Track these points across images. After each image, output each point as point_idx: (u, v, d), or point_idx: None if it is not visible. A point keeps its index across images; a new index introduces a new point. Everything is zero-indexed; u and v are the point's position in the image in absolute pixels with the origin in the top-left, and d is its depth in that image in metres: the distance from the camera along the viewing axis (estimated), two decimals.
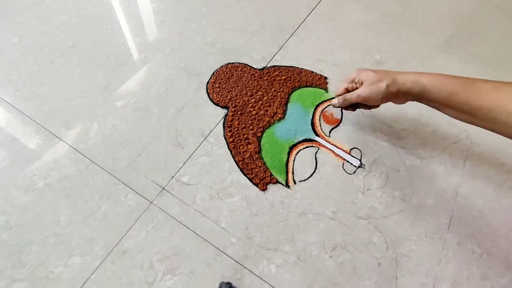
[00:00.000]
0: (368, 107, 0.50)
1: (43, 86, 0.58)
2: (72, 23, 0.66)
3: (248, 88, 0.59)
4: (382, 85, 0.43)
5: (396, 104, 0.46)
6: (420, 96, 0.42)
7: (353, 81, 0.48)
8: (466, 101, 0.38)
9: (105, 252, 0.45)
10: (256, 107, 0.57)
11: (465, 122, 0.40)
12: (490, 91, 0.37)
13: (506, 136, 0.36)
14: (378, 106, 0.49)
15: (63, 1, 0.69)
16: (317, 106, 0.58)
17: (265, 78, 0.61)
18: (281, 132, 0.55)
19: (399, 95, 0.44)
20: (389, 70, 0.46)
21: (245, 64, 0.62)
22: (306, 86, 0.60)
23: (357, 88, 0.47)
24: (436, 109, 0.43)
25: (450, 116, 0.42)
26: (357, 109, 0.52)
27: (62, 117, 0.55)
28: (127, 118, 0.55)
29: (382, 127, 0.57)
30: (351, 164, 0.53)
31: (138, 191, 0.49)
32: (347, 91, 0.49)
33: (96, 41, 0.64)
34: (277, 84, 0.60)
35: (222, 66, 0.62)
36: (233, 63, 0.63)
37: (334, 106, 0.51)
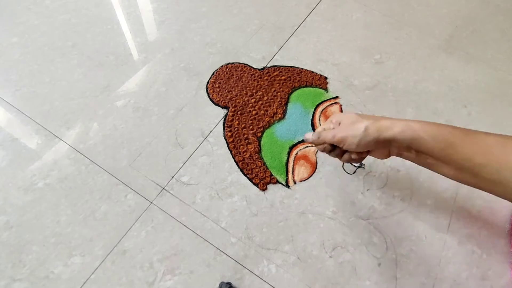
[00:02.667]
0: (349, 156, 0.40)
1: (43, 86, 0.58)
2: (72, 23, 0.66)
3: (248, 88, 0.59)
4: (360, 127, 0.36)
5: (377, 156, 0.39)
6: (409, 146, 0.35)
7: (331, 121, 0.41)
8: (468, 156, 0.31)
9: (105, 252, 0.45)
10: (256, 107, 0.57)
11: (463, 182, 0.34)
12: (496, 146, 0.30)
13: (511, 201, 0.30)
14: (361, 157, 0.39)
15: (63, 1, 0.69)
16: (317, 106, 0.58)
17: (265, 78, 0.61)
18: (281, 132, 0.55)
19: (380, 142, 0.36)
20: (377, 115, 0.38)
21: (245, 64, 0.62)
22: (306, 86, 0.60)
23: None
24: (426, 166, 0.36)
25: (444, 175, 0.35)
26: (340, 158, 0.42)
27: (62, 117, 0.55)
28: (127, 118, 0.55)
29: None
30: (351, 164, 0.53)
31: (138, 191, 0.49)
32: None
33: (96, 41, 0.64)
34: (277, 84, 0.60)
35: (222, 66, 0.62)
36: (233, 63, 0.63)
37: (306, 140, 0.43)
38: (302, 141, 0.54)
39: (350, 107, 0.58)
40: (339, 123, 0.39)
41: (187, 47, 0.64)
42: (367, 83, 0.61)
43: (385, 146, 0.37)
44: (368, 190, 0.51)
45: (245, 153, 0.53)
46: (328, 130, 0.40)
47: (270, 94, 0.59)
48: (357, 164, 0.53)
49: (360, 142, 0.36)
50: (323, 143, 0.40)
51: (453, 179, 0.34)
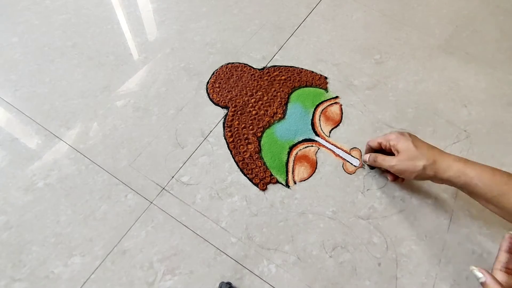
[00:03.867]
0: (396, 176, 0.47)
1: (43, 86, 0.58)
2: (72, 23, 0.66)
3: (248, 88, 0.59)
4: (419, 165, 0.40)
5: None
6: (462, 188, 0.39)
7: (388, 142, 0.45)
8: None
9: (105, 252, 0.45)
10: (256, 107, 0.57)
11: (508, 220, 0.37)
12: None
13: None
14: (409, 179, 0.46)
15: (63, 1, 0.69)
16: (317, 106, 0.58)
17: (265, 78, 0.61)
18: (281, 132, 0.55)
19: (436, 179, 0.40)
20: (433, 146, 0.42)
21: (245, 64, 0.62)
22: (306, 86, 0.60)
23: (390, 149, 0.45)
24: (477, 200, 0.40)
25: (491, 211, 0.39)
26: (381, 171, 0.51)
27: (62, 117, 0.55)
28: (127, 118, 0.55)
29: (382, 127, 0.57)
30: (351, 164, 0.53)
31: (138, 191, 0.49)
32: (380, 146, 0.47)
33: (96, 41, 0.64)
34: (277, 84, 0.60)
35: (222, 66, 0.62)
36: (233, 63, 0.63)
37: (364, 162, 0.51)
38: (302, 141, 0.54)
39: (350, 107, 0.58)
40: (397, 151, 0.43)
41: (187, 47, 0.64)
42: (367, 83, 0.61)
43: (441, 182, 0.41)
44: (368, 190, 0.51)
45: (245, 153, 0.53)
46: (386, 158, 0.45)
47: (270, 94, 0.59)
48: (358, 164, 0.53)
49: (417, 177, 0.41)
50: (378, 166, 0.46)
51: (499, 216, 0.38)
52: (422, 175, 0.40)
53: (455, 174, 0.38)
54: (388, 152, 0.46)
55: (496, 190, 0.35)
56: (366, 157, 0.49)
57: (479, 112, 0.58)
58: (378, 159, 0.46)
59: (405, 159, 0.41)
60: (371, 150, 0.50)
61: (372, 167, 0.52)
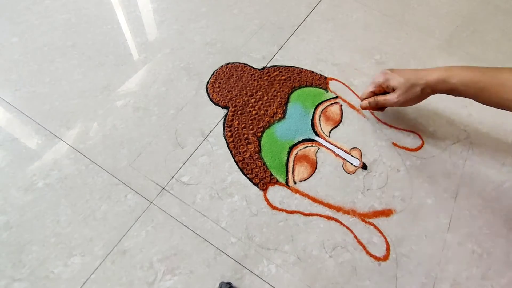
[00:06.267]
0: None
1: (43, 86, 0.58)
2: (72, 23, 0.66)
3: (248, 88, 0.59)
4: (417, 90, 0.46)
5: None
6: (449, 93, 0.45)
7: (381, 85, 0.50)
8: (494, 97, 0.41)
9: (105, 252, 0.45)
10: (256, 107, 0.57)
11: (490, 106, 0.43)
12: None
13: None
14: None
15: (63, 1, 0.69)
16: (317, 106, 0.58)
17: (265, 78, 0.61)
18: (281, 132, 0.55)
19: (433, 94, 0.46)
20: (413, 69, 0.48)
21: (245, 64, 0.62)
22: (306, 86, 0.60)
23: (385, 91, 0.50)
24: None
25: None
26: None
27: (62, 117, 0.55)
28: (127, 118, 0.55)
29: (382, 127, 0.57)
30: (351, 164, 0.53)
31: (138, 191, 0.49)
32: (374, 94, 0.52)
33: (96, 41, 0.64)
34: (277, 84, 0.60)
35: (222, 66, 0.62)
36: (233, 63, 0.63)
37: (363, 108, 0.54)
38: (302, 141, 0.54)
39: (350, 107, 0.58)
40: (393, 88, 0.48)
41: (187, 47, 0.64)
42: (367, 83, 0.61)
43: (432, 94, 0.47)
44: (368, 190, 0.51)
45: (245, 153, 0.53)
46: (386, 97, 0.49)
47: (270, 94, 0.59)
48: (358, 164, 0.53)
49: (420, 100, 0.47)
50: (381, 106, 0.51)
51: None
52: (423, 96, 0.46)
53: (442, 85, 0.44)
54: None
55: (475, 88, 0.42)
56: (365, 103, 0.53)
57: (479, 112, 0.58)
58: (379, 100, 0.50)
59: (404, 91, 0.47)
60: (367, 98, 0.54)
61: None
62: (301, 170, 0.52)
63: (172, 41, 0.65)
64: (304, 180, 0.51)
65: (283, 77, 0.61)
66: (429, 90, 0.45)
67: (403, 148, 0.54)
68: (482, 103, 0.44)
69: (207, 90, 0.59)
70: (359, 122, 0.57)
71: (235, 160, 0.52)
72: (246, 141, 0.54)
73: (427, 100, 0.60)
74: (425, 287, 0.44)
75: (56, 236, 0.45)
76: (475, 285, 0.45)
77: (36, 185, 0.49)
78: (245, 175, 0.51)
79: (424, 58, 0.65)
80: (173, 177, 0.50)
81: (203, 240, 0.46)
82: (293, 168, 0.52)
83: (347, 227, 0.48)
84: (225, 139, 0.54)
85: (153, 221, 0.47)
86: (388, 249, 0.46)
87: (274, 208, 0.49)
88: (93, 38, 0.64)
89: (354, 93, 0.60)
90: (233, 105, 0.57)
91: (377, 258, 0.46)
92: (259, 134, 0.54)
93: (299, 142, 0.54)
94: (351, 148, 0.54)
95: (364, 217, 0.49)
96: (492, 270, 0.45)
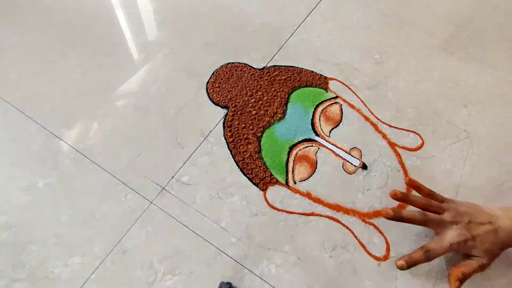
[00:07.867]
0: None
1: (43, 86, 0.58)
2: (72, 23, 0.66)
3: (248, 88, 0.59)
4: (499, 253, 0.42)
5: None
6: None
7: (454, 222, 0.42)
8: None
9: (105, 252, 0.45)
10: (256, 107, 0.57)
11: None
12: None
13: None
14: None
15: (63, 1, 0.69)
16: (317, 106, 0.58)
17: (265, 78, 0.61)
18: (281, 132, 0.55)
19: None
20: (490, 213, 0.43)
21: (245, 64, 0.62)
22: (306, 86, 0.60)
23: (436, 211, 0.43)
24: None
25: None
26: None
27: (62, 117, 0.55)
28: (127, 118, 0.55)
29: (382, 127, 0.57)
30: (351, 164, 0.53)
31: (138, 191, 0.49)
32: (425, 218, 0.43)
33: (96, 41, 0.64)
34: (277, 84, 0.60)
35: (222, 66, 0.62)
36: (233, 63, 0.63)
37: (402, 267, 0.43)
38: (302, 141, 0.54)
39: (350, 107, 0.58)
40: (473, 238, 0.41)
41: (187, 47, 0.64)
42: (367, 83, 0.61)
43: None
44: (368, 190, 0.51)
45: (245, 153, 0.53)
46: (468, 263, 0.42)
47: (270, 94, 0.59)
48: (358, 164, 0.53)
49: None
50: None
51: None
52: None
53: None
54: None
55: None
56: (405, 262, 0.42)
57: (479, 112, 0.58)
58: (464, 270, 0.41)
59: (491, 257, 0.41)
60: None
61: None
62: (301, 170, 0.52)
63: (172, 41, 0.65)
64: (304, 180, 0.51)
65: (283, 77, 0.61)
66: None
67: (403, 148, 0.54)
68: None
69: (207, 90, 0.59)
70: (359, 122, 0.57)
71: (235, 160, 0.52)
72: (246, 141, 0.54)
73: (427, 100, 0.60)
74: (425, 287, 0.44)
75: (56, 236, 0.45)
76: (475, 285, 0.44)
77: (36, 185, 0.49)
78: (245, 175, 0.51)
79: (424, 58, 0.65)
80: (173, 177, 0.50)
81: (203, 240, 0.46)
82: (293, 168, 0.52)
83: (347, 227, 0.48)
84: (225, 139, 0.54)
85: (153, 221, 0.47)
86: (388, 249, 0.46)
87: (274, 208, 0.49)
88: (93, 38, 0.64)
89: (354, 93, 0.60)
90: (233, 105, 0.57)
91: (377, 258, 0.46)
92: (259, 134, 0.54)
93: (299, 142, 0.54)
94: (351, 148, 0.54)
95: (364, 217, 0.49)
96: (492, 270, 0.45)
